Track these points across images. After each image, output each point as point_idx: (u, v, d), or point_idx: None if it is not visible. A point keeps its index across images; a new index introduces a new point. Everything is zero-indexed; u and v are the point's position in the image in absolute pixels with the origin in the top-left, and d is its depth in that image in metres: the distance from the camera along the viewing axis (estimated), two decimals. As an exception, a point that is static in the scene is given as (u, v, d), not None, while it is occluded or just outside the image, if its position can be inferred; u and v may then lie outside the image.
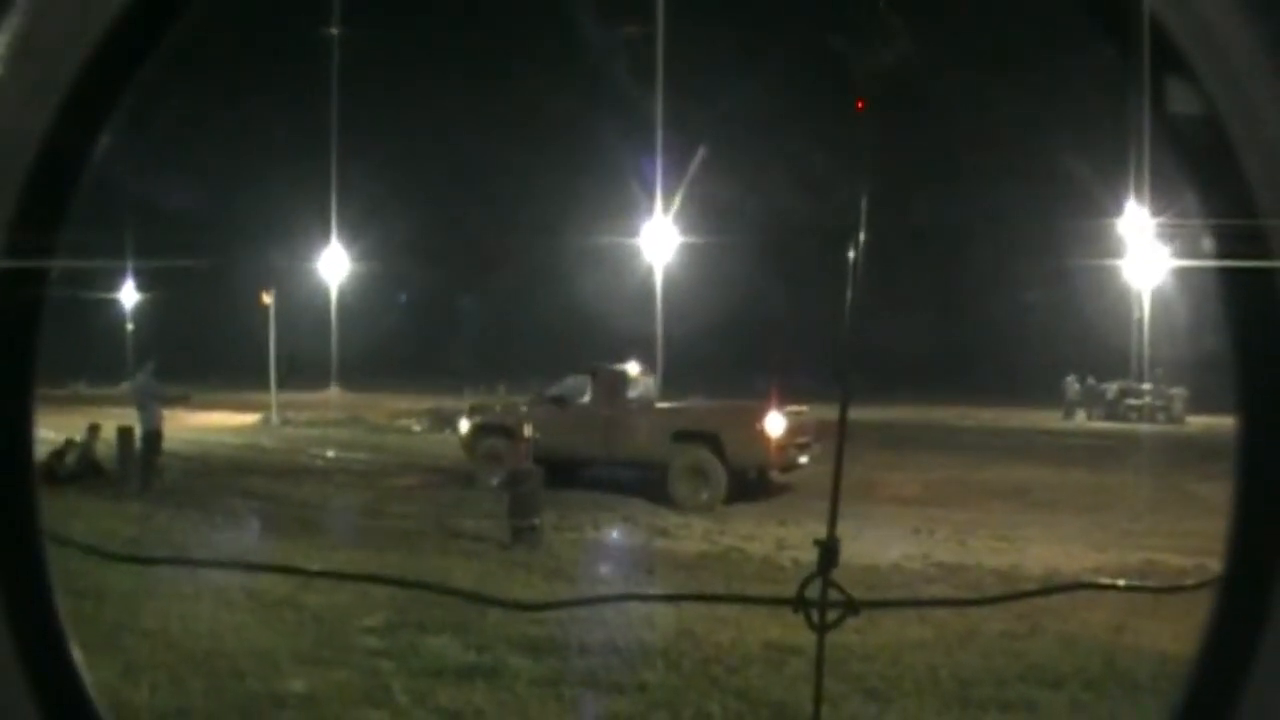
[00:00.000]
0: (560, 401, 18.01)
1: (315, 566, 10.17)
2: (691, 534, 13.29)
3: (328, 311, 40.63)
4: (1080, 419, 33.50)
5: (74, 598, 7.93)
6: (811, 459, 16.88)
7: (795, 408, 17.45)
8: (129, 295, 52.21)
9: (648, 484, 14.75)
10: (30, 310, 1.11)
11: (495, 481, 16.41)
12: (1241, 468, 1.04)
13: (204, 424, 30.46)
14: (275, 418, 35.13)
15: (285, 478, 18.90)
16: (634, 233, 33.65)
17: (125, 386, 19.13)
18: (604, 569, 11.25)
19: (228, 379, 38.05)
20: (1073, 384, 34.76)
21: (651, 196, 32.80)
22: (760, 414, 16.55)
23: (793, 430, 16.60)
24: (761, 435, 16.26)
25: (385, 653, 7.26)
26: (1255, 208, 0.96)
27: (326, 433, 29.91)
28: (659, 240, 33.77)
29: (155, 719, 5.85)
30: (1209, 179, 1.01)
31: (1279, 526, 1.00)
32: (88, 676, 1.17)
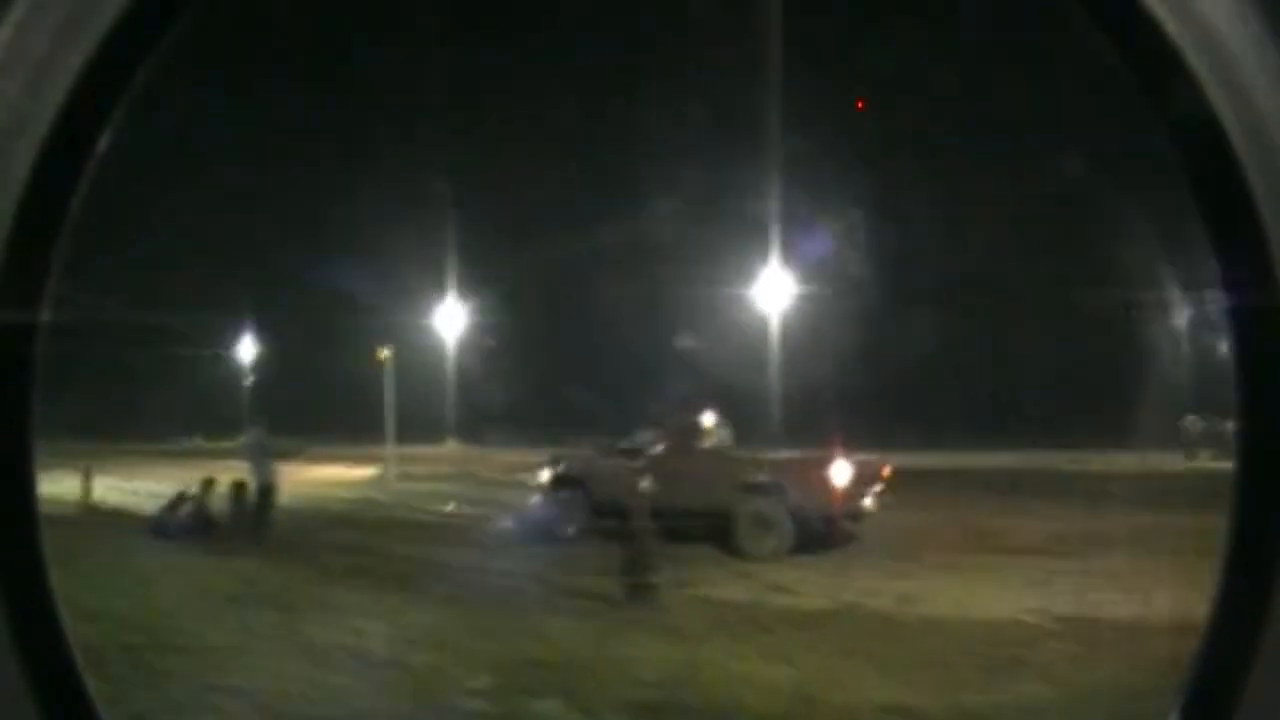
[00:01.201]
0: (633, 453, 18.28)
1: (419, 624, 10.15)
2: (809, 589, 12.96)
3: (444, 365, 40.96)
4: (1204, 459, 31.86)
5: (159, 652, 8.17)
6: (882, 505, 17.22)
7: (865, 456, 17.85)
8: (246, 350, 53.45)
9: (717, 533, 14.58)
10: (28, 325, 1.14)
11: (571, 531, 17.62)
12: (1242, 469, 1.05)
13: (319, 478, 30.93)
14: (391, 472, 35.51)
15: (396, 533, 18.97)
16: (748, 283, 33.30)
17: (241, 441, 19.47)
18: (720, 626, 10.80)
19: (344, 433, 38.55)
20: (1195, 423, 32.79)
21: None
22: (825, 463, 16.87)
23: (860, 478, 16.90)
24: (826, 484, 16.59)
25: (490, 717, 7.06)
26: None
27: (439, 488, 29.96)
28: (775, 291, 33.43)
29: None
30: (1210, 185, 1.02)
31: (1279, 526, 1.01)
32: (89, 679, 1.18)
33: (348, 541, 17.47)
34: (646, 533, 12.65)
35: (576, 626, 10.50)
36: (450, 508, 24.15)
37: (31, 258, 1.11)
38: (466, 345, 42.56)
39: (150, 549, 16.06)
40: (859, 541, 16.93)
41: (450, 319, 42.75)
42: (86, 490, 23.24)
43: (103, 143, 1.14)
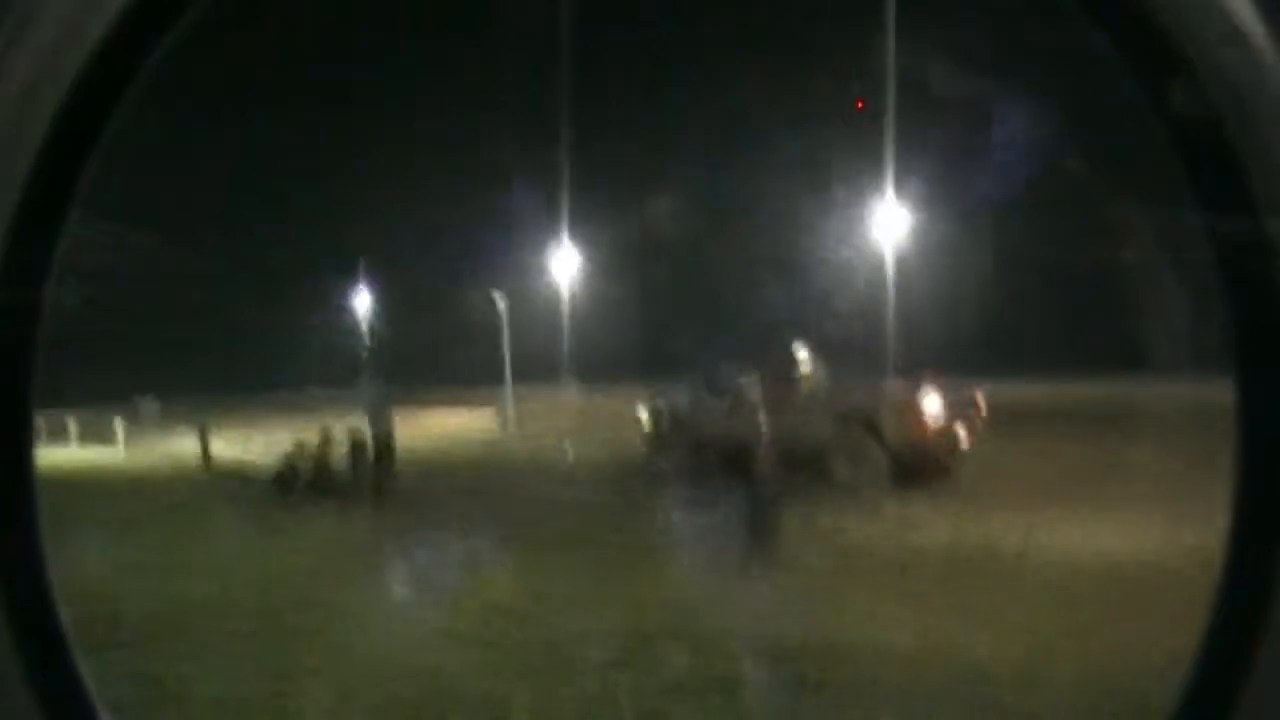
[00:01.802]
0: (725, 390, 18.39)
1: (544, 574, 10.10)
2: (936, 527, 12.57)
3: (559, 309, 41.03)
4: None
5: (297, 612, 8.44)
6: (979, 439, 16.99)
7: (959, 386, 17.68)
8: (362, 299, 54.18)
9: (811, 468, 14.24)
10: (29, 307, 1.11)
11: (666, 470, 17.95)
12: (1242, 464, 1.04)
13: (438, 425, 31.26)
14: (510, 415, 35.74)
15: (517, 478, 18.90)
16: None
17: (357, 391, 19.43)
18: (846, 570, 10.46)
19: (462, 380, 39.06)
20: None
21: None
22: (916, 394, 16.81)
23: (953, 409, 16.80)
24: (917, 415, 16.54)
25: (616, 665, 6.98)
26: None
27: (561, 427, 29.97)
28: (889, 223, 33.11)
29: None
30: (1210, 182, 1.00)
31: (1279, 524, 1.02)
32: (90, 679, 1.16)
33: (470, 489, 17.27)
34: (768, 471, 12.40)
35: (703, 567, 10.39)
36: (569, 451, 24.12)
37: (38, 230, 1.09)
38: (580, 290, 42.61)
39: (273, 506, 16.28)
40: (969, 476, 16.49)
41: (564, 263, 42.86)
42: (205, 449, 23.61)
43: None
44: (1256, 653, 0.99)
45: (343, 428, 18.08)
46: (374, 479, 16.92)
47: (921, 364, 21.77)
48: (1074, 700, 6.57)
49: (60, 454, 27.86)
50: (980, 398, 18.07)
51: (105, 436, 31.35)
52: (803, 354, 18.82)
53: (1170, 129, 1.02)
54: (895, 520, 13.54)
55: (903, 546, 11.50)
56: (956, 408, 17.04)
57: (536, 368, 39.27)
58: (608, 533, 12.86)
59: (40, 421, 1.19)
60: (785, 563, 10.57)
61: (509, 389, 36.36)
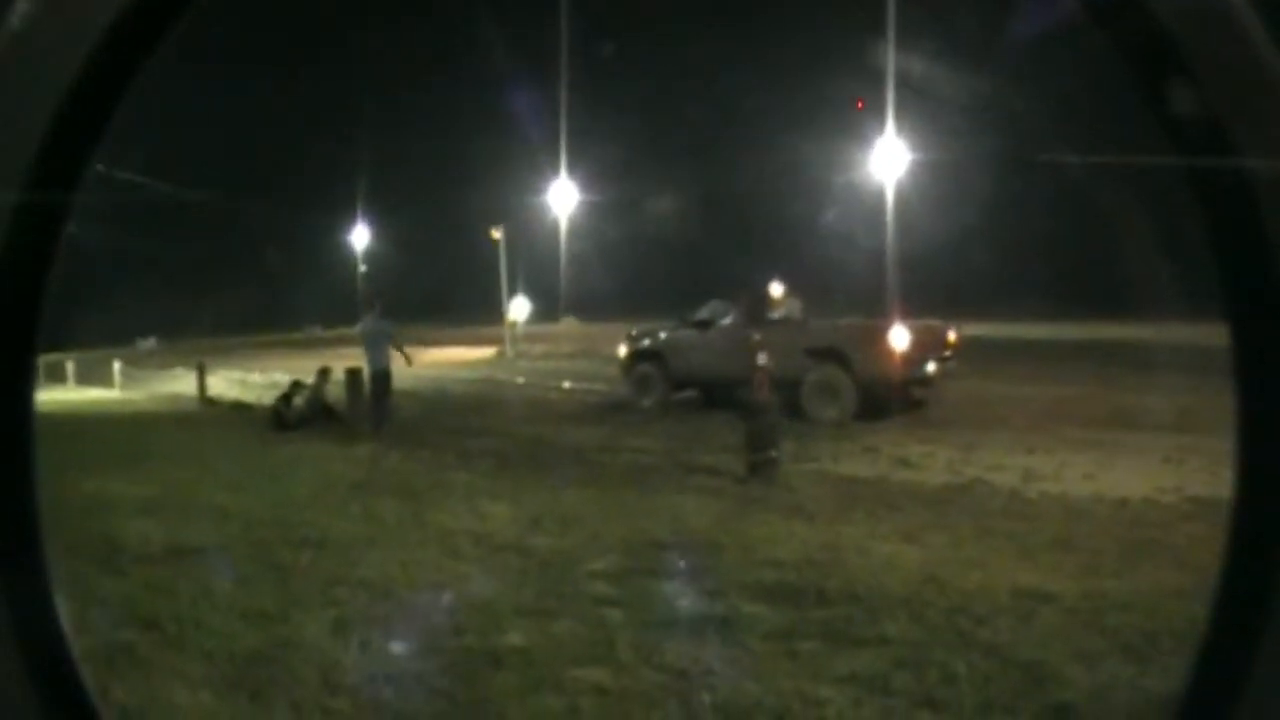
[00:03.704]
0: (704, 325, 19.11)
1: (540, 505, 10.18)
2: (934, 464, 12.66)
3: (557, 242, 41.05)
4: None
5: (291, 549, 8.48)
6: (946, 372, 17.84)
7: (929, 321, 18.67)
8: (359, 237, 53.75)
9: (784, 400, 14.00)
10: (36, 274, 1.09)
11: (647, 404, 19.09)
12: (1243, 462, 1.01)
13: (438, 361, 31.29)
14: (510, 351, 35.94)
15: (518, 413, 19.08)
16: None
17: (357, 328, 19.60)
18: (844, 503, 10.38)
19: (462, 314, 39.07)
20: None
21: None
22: (886, 329, 17.27)
23: (922, 344, 17.23)
24: (887, 349, 16.88)
25: (613, 601, 6.95)
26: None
27: (560, 365, 30.32)
28: (888, 161, 33.90)
29: (364, 679, 5.66)
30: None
31: (1279, 523, 1.00)
32: (89, 677, 1.15)
33: (466, 424, 17.63)
34: (767, 406, 12.44)
35: (698, 504, 10.29)
36: (567, 385, 24.54)
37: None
38: (579, 223, 42.52)
39: (268, 441, 16.37)
40: (950, 410, 17.18)
41: (562, 196, 42.69)
42: (202, 386, 23.82)
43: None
44: (1256, 654, 0.98)
45: (342, 366, 18.06)
46: (371, 413, 17.03)
47: (894, 303, 22.74)
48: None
49: (59, 394, 28.22)
50: (951, 333, 18.50)
51: (105, 379, 31.58)
52: (778, 291, 19.42)
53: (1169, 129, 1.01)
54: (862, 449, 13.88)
55: (899, 481, 11.64)
56: (927, 344, 17.46)
57: (537, 302, 39.48)
58: (596, 462, 13.13)
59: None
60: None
61: (507, 325, 36.41)
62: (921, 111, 33.38)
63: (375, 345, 17.54)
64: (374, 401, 17.38)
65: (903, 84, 32.69)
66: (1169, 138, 1.01)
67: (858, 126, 34.55)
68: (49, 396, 24.90)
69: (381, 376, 17.43)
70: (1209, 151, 0.97)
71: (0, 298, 1.05)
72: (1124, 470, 11.66)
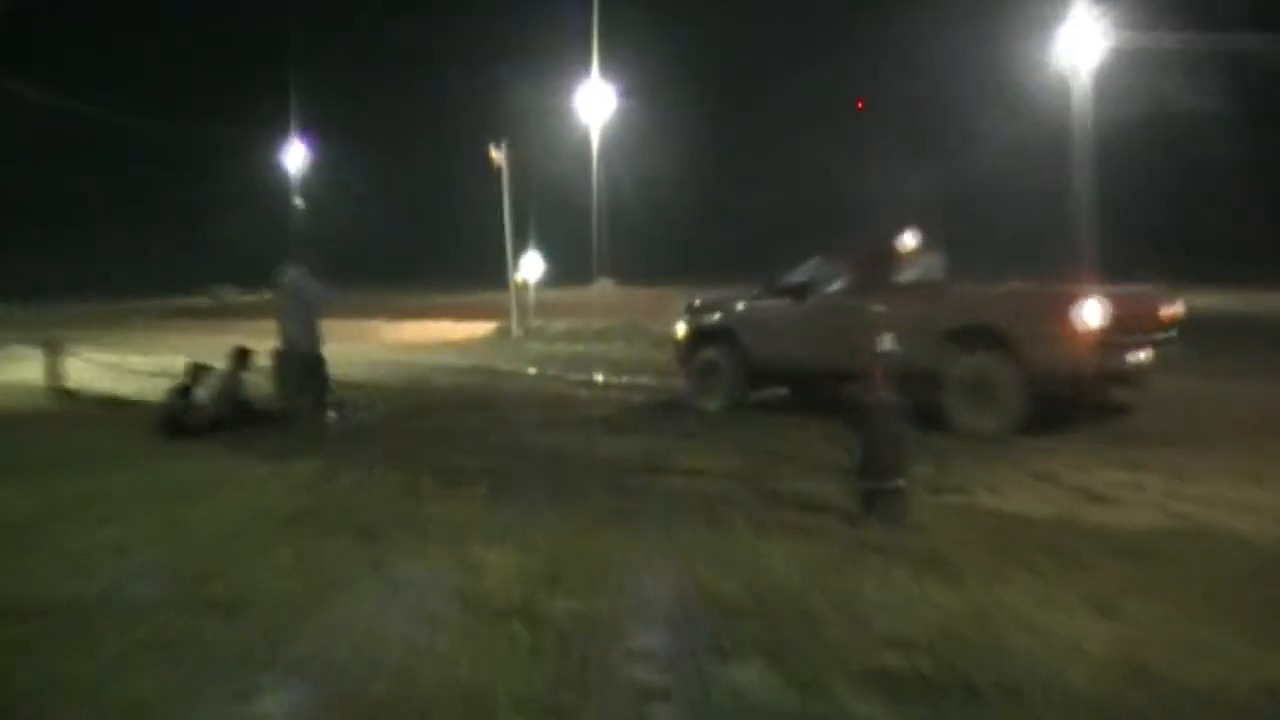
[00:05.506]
0: (799, 292, 15.58)
1: (554, 551, 8.74)
2: (1138, 499, 10.20)
3: (588, 170, 37.91)
4: None
5: (188, 614, 7.32)
6: (1167, 364, 13.86)
7: (1137, 287, 14.44)
8: (293, 158, 49.21)
9: (918, 402, 11.01)
10: None
11: (713, 406, 15.84)
12: None
13: (420, 338, 28.70)
14: (517, 327, 33.15)
15: (528, 417, 15.66)
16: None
17: (271, 293, 16.61)
18: (1004, 555, 8.48)
19: (455, 274, 37.31)
20: None
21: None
22: (1071, 299, 13.17)
23: (1125, 321, 13.22)
24: (1072, 329, 13.03)
25: (662, 695, 5.81)
26: None
27: (589, 349, 27.06)
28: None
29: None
30: None
31: None
32: None
33: (452, 430, 14.55)
34: (890, 412, 9.74)
35: (787, 551, 8.60)
36: (599, 378, 21.03)
37: None
38: (613, 138, 38.65)
39: (158, 453, 12.86)
40: (1162, 417, 13.84)
41: (594, 103, 39.04)
42: (55, 373, 20.62)
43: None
44: None
45: (266, 347, 15.07)
46: (306, 414, 14.47)
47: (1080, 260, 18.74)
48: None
49: None
50: (1170, 306, 14.35)
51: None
52: (912, 244, 15.56)
53: None
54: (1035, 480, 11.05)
55: (1084, 524, 9.36)
56: (1134, 320, 13.44)
57: (559, 257, 36.73)
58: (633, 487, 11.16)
59: None
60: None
61: (512, 288, 34.01)
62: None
63: (297, 315, 14.84)
64: (310, 399, 14.56)
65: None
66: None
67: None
68: None
69: (310, 362, 14.62)
70: None
71: None
72: None
